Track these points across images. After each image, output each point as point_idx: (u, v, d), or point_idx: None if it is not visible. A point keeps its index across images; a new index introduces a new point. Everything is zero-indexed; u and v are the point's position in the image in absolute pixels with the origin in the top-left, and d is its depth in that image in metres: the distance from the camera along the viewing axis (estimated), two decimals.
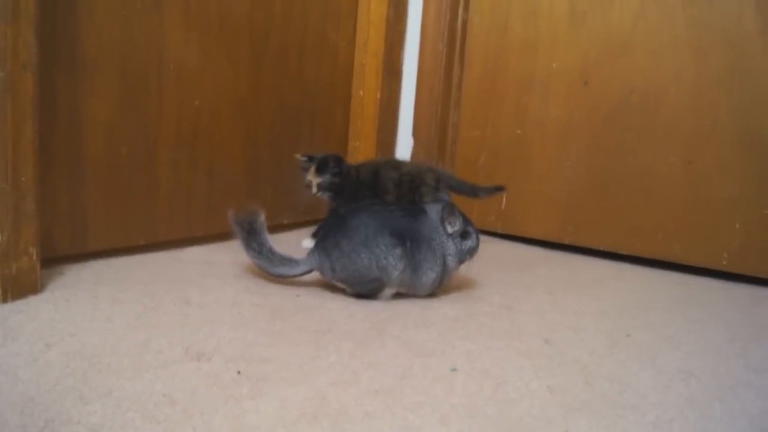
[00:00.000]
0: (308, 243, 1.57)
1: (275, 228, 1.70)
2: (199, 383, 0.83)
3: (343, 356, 0.95)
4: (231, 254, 1.45)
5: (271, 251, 1.26)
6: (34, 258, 1.12)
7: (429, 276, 1.22)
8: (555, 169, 1.79)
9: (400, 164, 1.63)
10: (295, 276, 1.27)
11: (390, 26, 1.86)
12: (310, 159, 1.58)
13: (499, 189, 1.70)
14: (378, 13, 1.85)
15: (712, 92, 1.58)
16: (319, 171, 1.56)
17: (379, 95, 1.84)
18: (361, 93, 1.86)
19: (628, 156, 1.69)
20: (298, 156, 1.60)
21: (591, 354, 1.03)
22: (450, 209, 1.22)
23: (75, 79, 1.27)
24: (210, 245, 1.54)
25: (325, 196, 1.60)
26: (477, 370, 0.93)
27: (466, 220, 1.24)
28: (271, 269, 1.26)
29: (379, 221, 1.20)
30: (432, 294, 1.26)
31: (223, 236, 1.57)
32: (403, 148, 1.93)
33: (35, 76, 1.10)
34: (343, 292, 1.25)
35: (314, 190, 1.57)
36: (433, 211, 1.22)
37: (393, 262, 1.18)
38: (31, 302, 1.09)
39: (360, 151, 1.87)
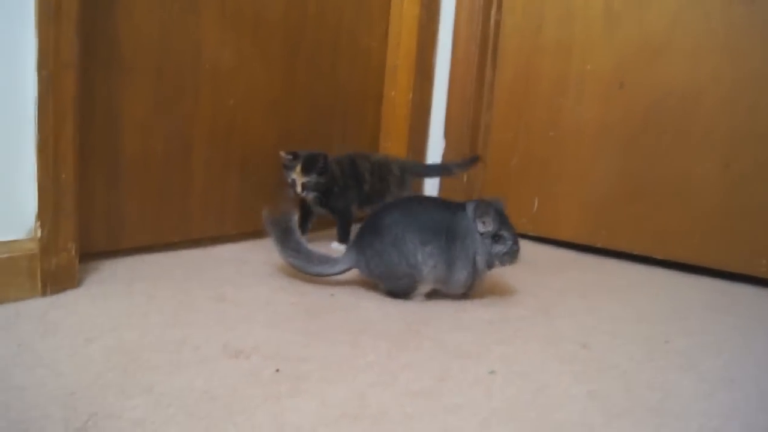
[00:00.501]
0: (336, 245, 1.57)
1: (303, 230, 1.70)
2: (238, 381, 0.83)
3: (381, 356, 0.94)
4: (264, 253, 1.45)
5: (308, 250, 1.26)
6: (73, 253, 1.13)
7: (462, 273, 1.20)
8: (588, 171, 1.77)
9: (369, 155, 1.65)
10: (333, 274, 1.27)
11: (422, 27, 1.86)
12: (295, 156, 1.49)
13: (473, 160, 1.68)
14: (410, 14, 1.85)
15: (751, 94, 1.55)
16: (306, 170, 1.47)
17: (411, 96, 1.84)
18: (393, 94, 1.86)
19: (664, 159, 1.66)
20: (282, 153, 1.50)
21: (630, 360, 1.01)
22: (483, 208, 1.18)
23: (113, 78, 1.28)
24: (242, 243, 1.55)
25: (310, 197, 1.52)
26: (515, 373, 0.92)
27: (505, 224, 1.20)
28: (309, 268, 1.26)
29: (410, 219, 1.20)
30: (464, 295, 1.25)
31: (255, 234, 1.58)
32: (435, 150, 1.92)
33: (76, 75, 1.11)
34: (376, 289, 1.26)
35: (299, 189, 1.48)
36: (471, 208, 1.21)
37: (422, 259, 1.18)
38: (70, 297, 1.10)
39: (391, 152, 1.86)
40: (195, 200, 1.46)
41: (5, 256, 1.04)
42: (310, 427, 0.73)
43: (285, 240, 1.25)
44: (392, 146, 1.87)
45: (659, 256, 1.69)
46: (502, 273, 1.28)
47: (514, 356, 0.99)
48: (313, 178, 1.48)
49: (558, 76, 1.79)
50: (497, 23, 1.88)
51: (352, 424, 0.74)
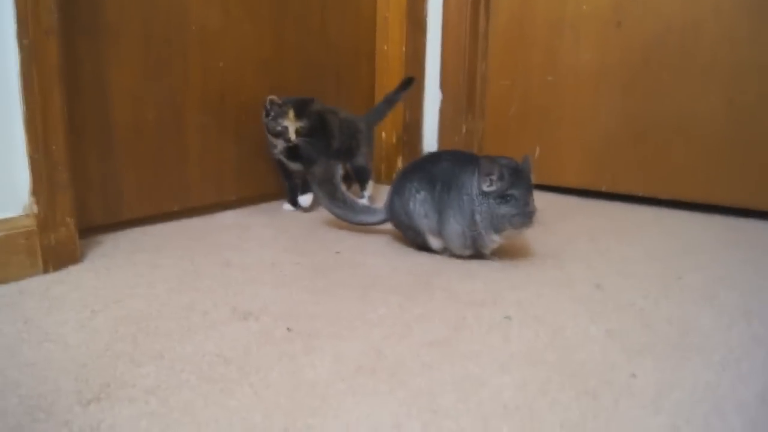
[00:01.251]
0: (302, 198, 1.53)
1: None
2: (250, 342, 0.81)
3: (392, 309, 0.93)
4: (265, 217, 1.43)
5: (352, 201, 1.32)
6: (72, 228, 1.11)
7: (454, 227, 1.13)
8: (589, 115, 1.73)
9: (337, 110, 1.59)
10: (375, 224, 1.31)
11: None
12: (284, 102, 1.42)
13: (408, 81, 1.64)
14: None
15: (753, 23, 1.50)
16: (298, 114, 1.41)
17: (404, 49, 1.79)
18: (386, 47, 1.82)
19: (665, 97, 1.63)
20: (273, 97, 1.42)
21: (645, 297, 1.00)
22: (487, 165, 1.08)
23: (98, 44, 1.24)
24: (243, 209, 1.53)
25: (298, 144, 1.43)
26: (531, 317, 0.91)
27: (518, 185, 1.08)
28: (354, 218, 1.31)
29: (416, 169, 1.20)
30: (473, 257, 1.19)
31: (254, 199, 1.55)
32: (431, 103, 1.88)
33: (58, 42, 1.07)
34: (384, 246, 1.25)
35: (292, 136, 1.41)
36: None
37: (413, 207, 1.17)
38: (72, 272, 1.08)
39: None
40: (192, 167, 1.43)
41: (2, 234, 1.02)
42: (326, 383, 0.72)
43: (333, 192, 1.30)
44: None
45: (666, 197, 1.67)
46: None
47: (528, 301, 0.97)
48: (305, 123, 1.43)
49: (554, 18, 1.75)
50: None
51: (371, 377, 0.73)
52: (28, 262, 1.05)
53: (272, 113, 1.42)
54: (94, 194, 1.26)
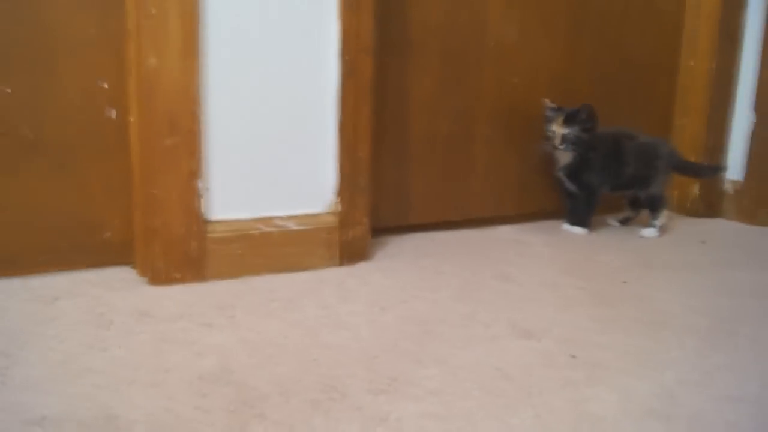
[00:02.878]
0: (569, 227, 1.48)
1: None
2: (532, 362, 0.79)
3: (688, 353, 0.83)
4: (543, 235, 1.40)
5: None
6: (366, 227, 1.20)
7: None
8: None
9: (635, 135, 1.49)
10: None
11: None
12: (559, 108, 1.41)
13: (720, 168, 1.60)
14: None
15: None
16: (567, 121, 1.39)
17: (713, 65, 1.61)
18: (692, 63, 1.65)
19: None
20: (546, 100, 1.43)
21: None
22: None
23: (403, 60, 1.33)
24: (521, 225, 1.51)
25: (567, 152, 1.41)
26: None
27: None
28: None
29: None
30: None
31: (533, 216, 1.53)
32: (740, 125, 1.66)
33: (373, 59, 1.17)
34: (675, 282, 1.13)
35: (557, 141, 1.39)
36: None
37: None
38: (362, 268, 1.17)
39: (687, 130, 1.66)
40: (476, 180, 1.46)
41: (310, 227, 1.14)
42: (614, 420, 0.66)
43: None
44: (689, 122, 1.66)
45: None
46: None
47: None
48: (574, 131, 1.39)
49: None
50: None
51: (663, 422, 0.66)
52: (327, 254, 1.16)
53: (547, 117, 1.43)
54: (386, 198, 1.35)
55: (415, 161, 1.37)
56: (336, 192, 1.17)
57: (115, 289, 1.03)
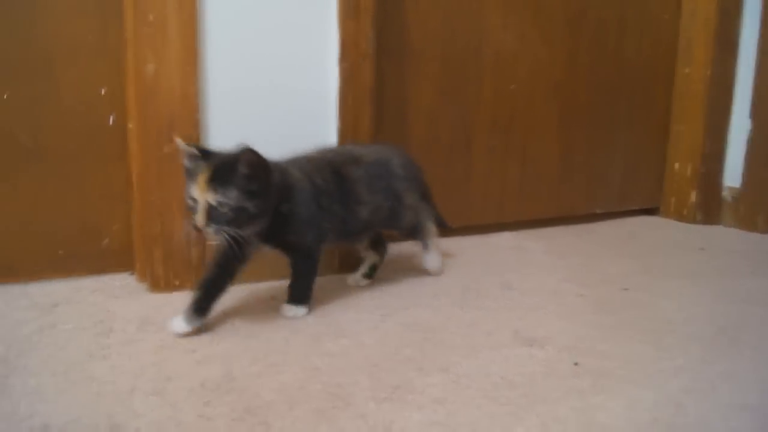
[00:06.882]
0: (289, 308, 0.96)
1: (587, 217, 1.61)
2: (535, 370, 0.79)
3: (692, 361, 0.83)
4: (543, 242, 1.40)
5: None
6: None
7: None
8: None
9: (359, 153, 1.07)
10: None
11: None
12: (204, 154, 0.86)
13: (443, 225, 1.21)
14: None
15: None
16: (218, 179, 0.83)
17: (709, 72, 1.62)
18: (687, 70, 1.66)
19: None
20: (179, 140, 0.89)
21: None
22: None
23: (402, 67, 1.33)
24: (521, 231, 1.51)
25: (223, 238, 0.84)
26: None
27: None
28: None
29: None
30: None
31: (533, 223, 1.53)
32: (738, 132, 1.67)
33: (372, 66, 1.17)
34: (677, 290, 1.13)
35: (200, 219, 0.83)
36: None
37: None
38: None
39: (684, 136, 1.67)
40: (475, 187, 1.46)
41: None
42: (619, 429, 0.66)
43: None
44: (686, 129, 1.67)
45: None
46: None
47: None
48: (231, 197, 0.83)
49: None
50: None
51: None
52: (327, 261, 1.16)
53: (186, 170, 0.89)
54: None
55: None
56: None
57: (115, 296, 1.02)
